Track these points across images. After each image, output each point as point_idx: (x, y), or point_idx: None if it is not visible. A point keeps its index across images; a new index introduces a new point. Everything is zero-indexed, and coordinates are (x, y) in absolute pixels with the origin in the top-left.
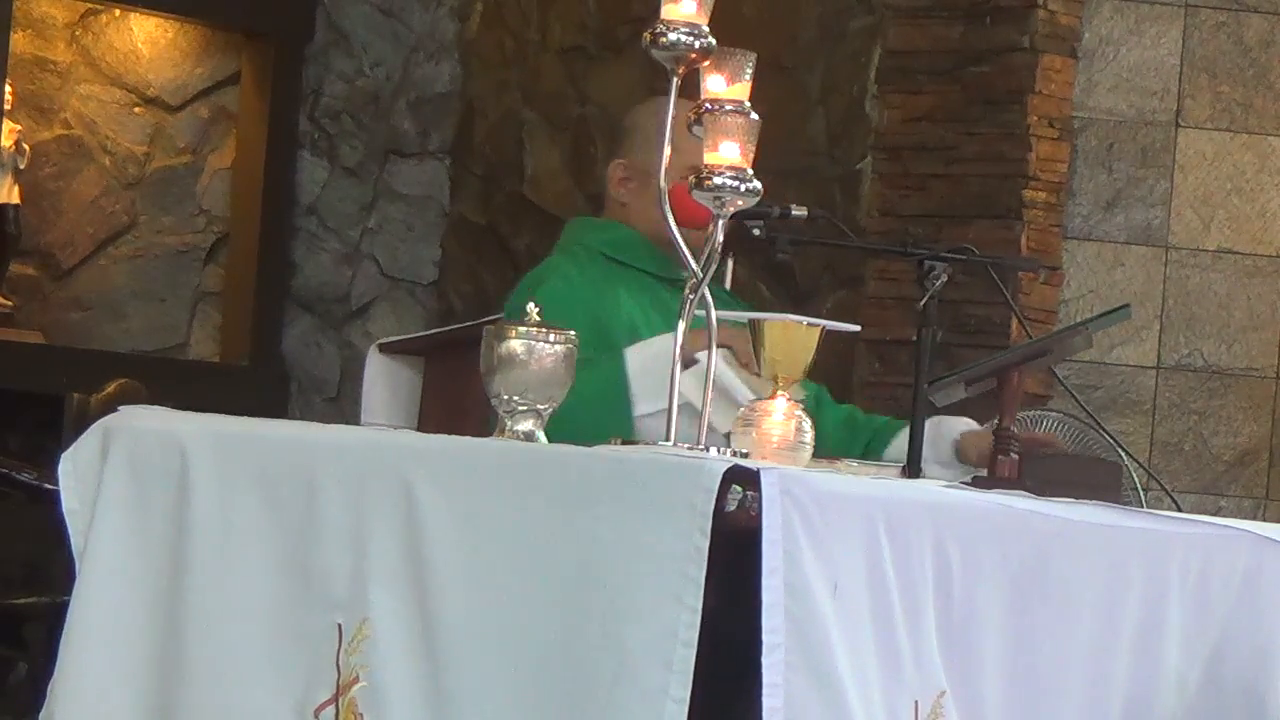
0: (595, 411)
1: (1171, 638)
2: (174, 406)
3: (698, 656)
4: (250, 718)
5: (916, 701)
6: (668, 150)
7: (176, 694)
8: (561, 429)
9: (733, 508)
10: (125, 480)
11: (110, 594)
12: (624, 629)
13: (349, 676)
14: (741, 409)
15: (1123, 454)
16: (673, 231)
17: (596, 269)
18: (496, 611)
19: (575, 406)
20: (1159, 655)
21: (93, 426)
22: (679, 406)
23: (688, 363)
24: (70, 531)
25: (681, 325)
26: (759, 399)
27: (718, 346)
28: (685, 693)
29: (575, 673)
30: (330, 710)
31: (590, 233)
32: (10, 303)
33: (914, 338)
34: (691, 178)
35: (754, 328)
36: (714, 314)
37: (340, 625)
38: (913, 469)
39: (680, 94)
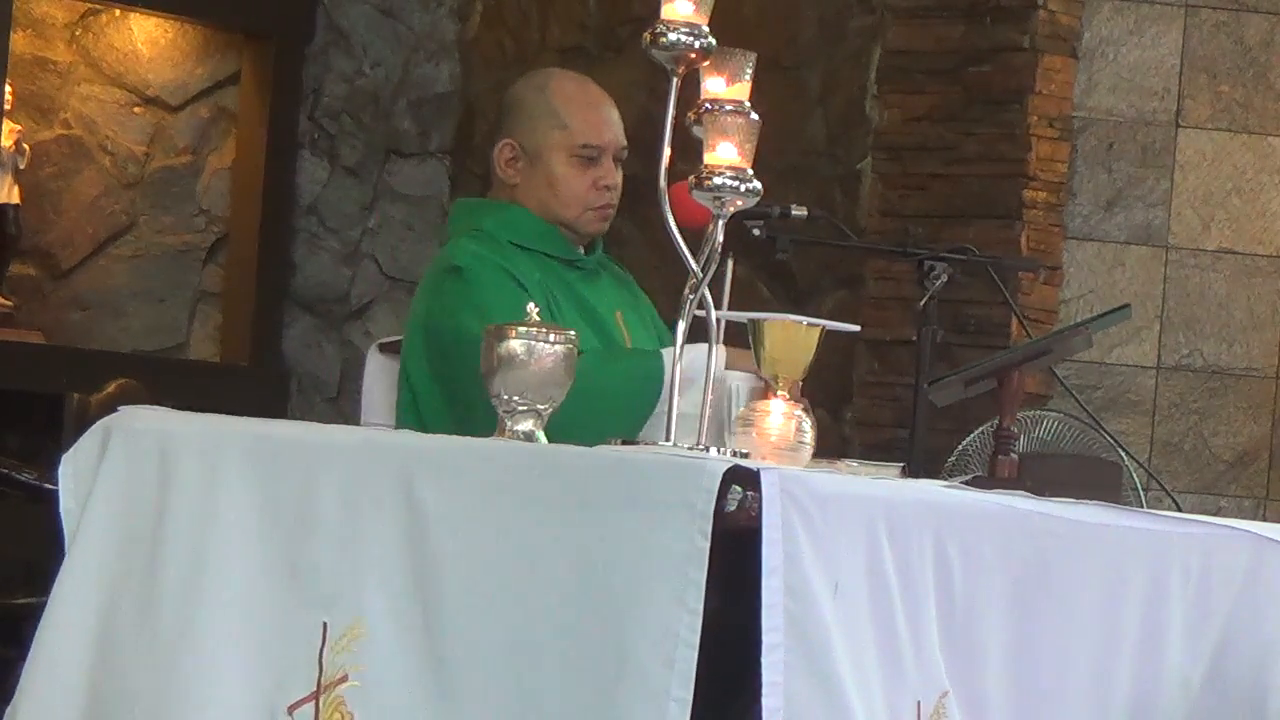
0: (623, 403)
1: (1174, 638)
2: (174, 406)
3: (698, 656)
4: (215, 710)
5: (919, 701)
6: (667, 151)
7: (150, 687)
8: (577, 416)
9: (733, 508)
10: (120, 478)
11: (86, 587)
12: (625, 629)
13: (334, 675)
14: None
15: (1123, 454)
16: (671, 230)
17: (500, 251)
18: (497, 612)
19: (604, 395)
20: (1162, 655)
21: (93, 427)
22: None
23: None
24: (65, 531)
25: (681, 325)
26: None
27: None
28: (687, 693)
29: (577, 673)
30: (309, 708)
31: (485, 217)
32: (10, 303)
33: (914, 338)
34: (692, 177)
35: (754, 328)
36: (714, 314)
37: (326, 623)
38: (912, 466)
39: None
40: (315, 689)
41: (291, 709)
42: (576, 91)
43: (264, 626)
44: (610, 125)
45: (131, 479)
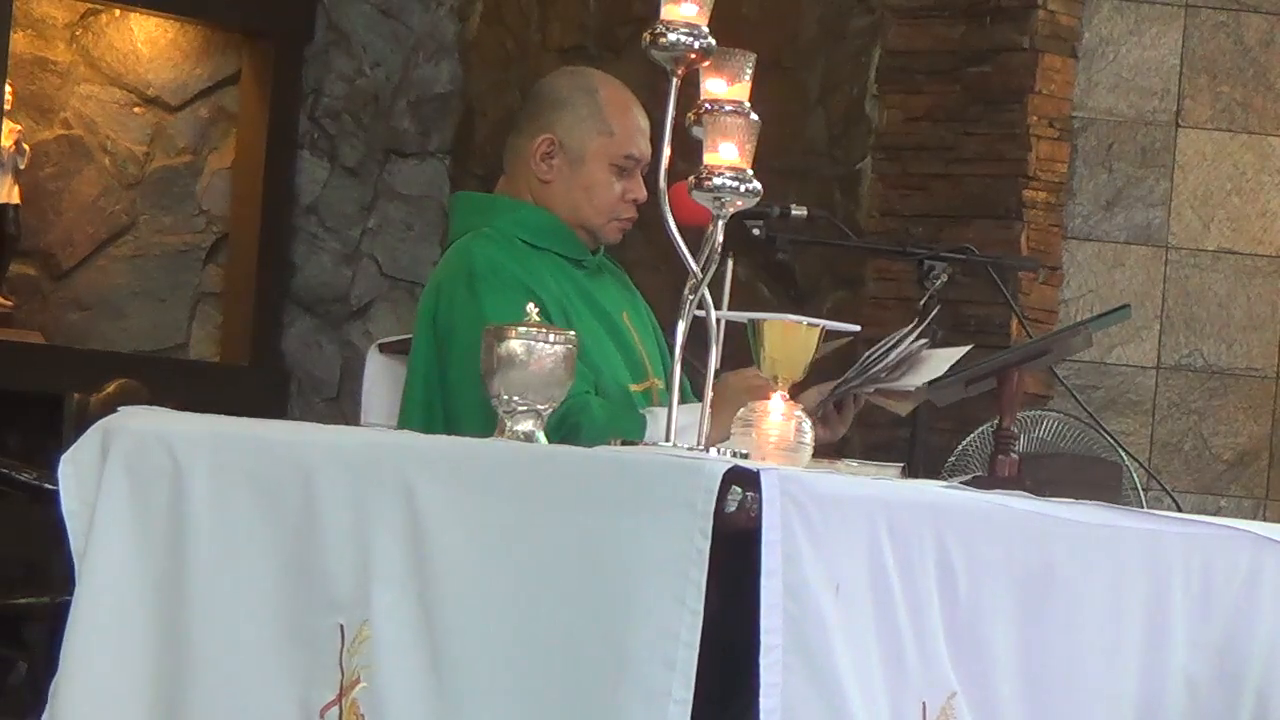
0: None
1: (1178, 638)
2: (174, 406)
3: (698, 657)
4: (256, 717)
5: (924, 702)
6: (667, 151)
7: (181, 695)
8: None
9: (733, 508)
10: (125, 481)
11: (111, 596)
12: (625, 630)
13: (351, 677)
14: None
15: (1123, 454)
16: (671, 230)
17: (515, 254)
18: (498, 612)
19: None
20: (1167, 656)
21: (93, 427)
22: None
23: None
24: (69, 533)
25: (681, 325)
26: None
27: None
28: (688, 693)
29: (577, 674)
30: (334, 711)
31: (497, 214)
32: (10, 303)
33: None
34: (692, 177)
35: (754, 328)
36: (714, 314)
37: (342, 626)
38: (911, 466)
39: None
40: (339, 692)
41: (322, 712)
42: (624, 100)
43: (289, 630)
44: (647, 138)
45: (140, 484)
